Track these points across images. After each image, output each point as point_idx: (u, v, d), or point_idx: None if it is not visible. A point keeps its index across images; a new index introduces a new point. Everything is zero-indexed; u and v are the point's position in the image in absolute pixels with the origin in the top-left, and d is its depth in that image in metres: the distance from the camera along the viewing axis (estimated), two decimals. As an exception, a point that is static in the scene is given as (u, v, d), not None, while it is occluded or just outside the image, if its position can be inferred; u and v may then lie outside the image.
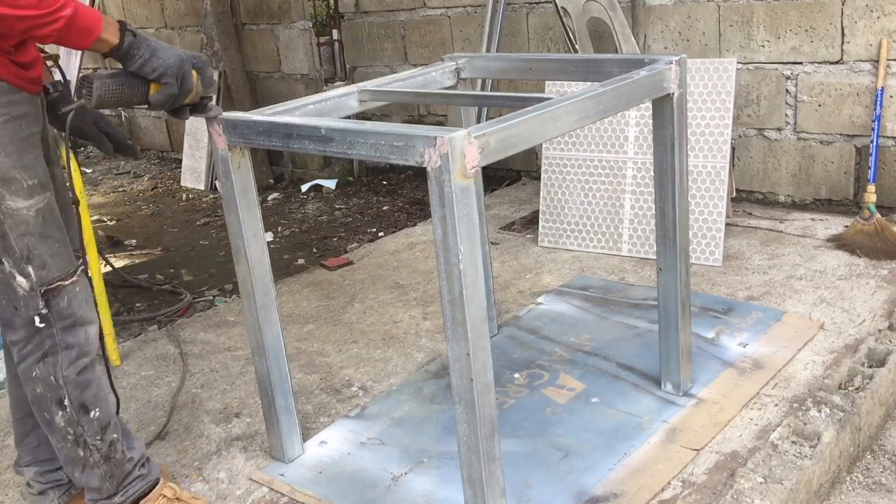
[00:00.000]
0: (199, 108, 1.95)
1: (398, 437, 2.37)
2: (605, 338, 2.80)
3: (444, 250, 1.64)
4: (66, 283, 1.87)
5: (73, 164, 2.31)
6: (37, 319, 1.85)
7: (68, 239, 1.91)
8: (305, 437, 2.38)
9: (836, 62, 3.56)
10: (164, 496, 2.07)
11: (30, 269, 1.83)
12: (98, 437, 1.96)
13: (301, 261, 4.14)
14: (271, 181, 5.68)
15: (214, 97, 1.94)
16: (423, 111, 5.17)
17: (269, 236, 4.55)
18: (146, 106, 1.88)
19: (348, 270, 3.67)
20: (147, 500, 2.05)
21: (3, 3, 1.62)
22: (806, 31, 3.58)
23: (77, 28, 1.70)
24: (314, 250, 4.30)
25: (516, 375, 2.62)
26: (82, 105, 1.83)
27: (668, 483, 2.06)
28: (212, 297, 3.75)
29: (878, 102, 3.42)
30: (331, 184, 5.41)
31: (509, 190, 4.61)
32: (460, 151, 1.59)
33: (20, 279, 1.83)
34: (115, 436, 1.99)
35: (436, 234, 1.65)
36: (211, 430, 2.51)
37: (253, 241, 2.09)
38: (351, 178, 5.51)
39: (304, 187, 5.44)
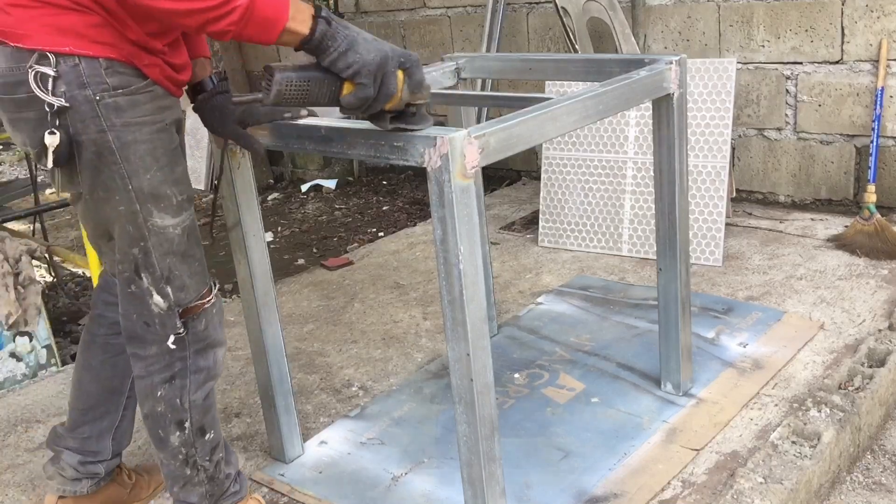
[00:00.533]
0: (402, 116, 1.63)
1: (398, 437, 2.37)
2: (605, 338, 2.80)
3: (444, 250, 1.64)
4: (207, 305, 1.79)
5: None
6: (171, 340, 1.76)
7: (204, 257, 1.83)
8: (305, 438, 2.38)
9: (836, 62, 3.55)
10: None
11: (169, 289, 1.73)
12: (207, 459, 1.90)
13: (301, 261, 4.14)
14: (271, 181, 5.68)
15: (426, 105, 1.69)
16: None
17: (269, 236, 4.55)
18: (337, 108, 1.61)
19: (348, 270, 3.67)
20: None
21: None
22: (806, 31, 3.58)
23: (258, 19, 1.46)
24: (314, 250, 4.30)
25: (516, 375, 2.62)
26: (258, 99, 1.60)
27: (669, 483, 2.06)
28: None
29: (878, 102, 3.42)
30: (331, 184, 5.41)
31: (509, 190, 4.61)
32: (460, 151, 1.59)
33: (157, 298, 1.73)
34: (221, 455, 1.93)
35: (436, 234, 1.65)
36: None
37: (253, 241, 2.09)
38: (351, 178, 5.51)
39: (304, 187, 5.44)
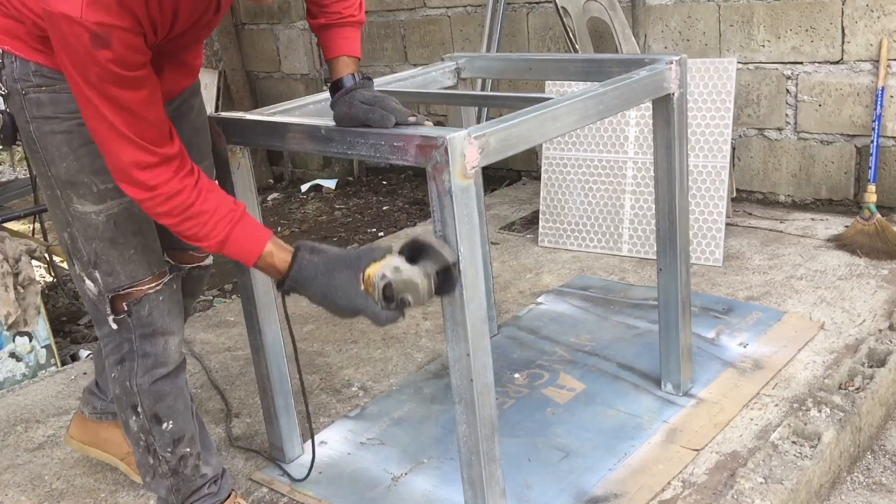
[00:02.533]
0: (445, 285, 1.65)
1: (398, 437, 2.37)
2: (606, 338, 2.80)
3: (444, 250, 1.64)
4: (150, 291, 1.82)
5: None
6: (110, 320, 1.82)
7: (155, 245, 1.86)
8: (305, 438, 2.38)
9: (837, 62, 3.55)
10: None
11: (97, 274, 1.79)
12: (168, 450, 1.92)
13: (301, 261, 4.13)
14: (271, 181, 5.68)
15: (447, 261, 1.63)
16: (423, 111, 5.18)
17: (269, 236, 4.54)
18: None
19: (348, 270, 3.66)
20: None
21: (184, 236, 1.68)
22: (806, 30, 3.58)
23: (231, 254, 1.71)
24: (314, 250, 4.29)
25: (516, 375, 2.62)
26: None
27: (669, 483, 2.06)
28: (211, 298, 3.75)
29: (879, 102, 3.42)
30: (331, 184, 5.41)
31: (509, 190, 4.61)
32: (460, 151, 1.59)
33: (88, 283, 1.81)
34: (188, 450, 1.94)
35: (436, 235, 1.65)
36: (211, 430, 2.51)
37: (253, 241, 2.08)
38: (351, 178, 5.51)
39: (304, 187, 5.44)
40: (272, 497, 2.18)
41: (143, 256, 1.82)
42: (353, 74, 1.87)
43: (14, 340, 2.91)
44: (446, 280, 1.64)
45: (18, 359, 2.93)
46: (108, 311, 1.81)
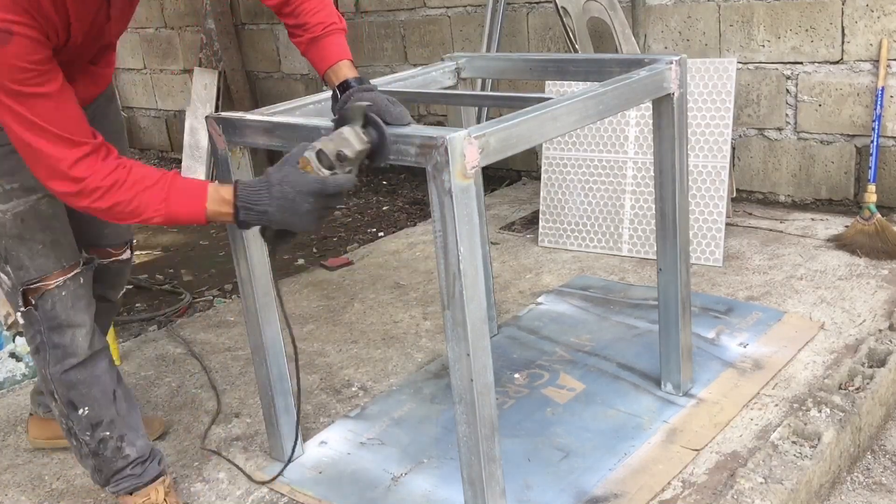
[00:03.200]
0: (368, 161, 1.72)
1: (398, 437, 2.37)
2: (606, 338, 2.80)
3: (444, 250, 1.64)
4: (51, 286, 1.90)
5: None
6: (19, 315, 1.93)
7: (64, 240, 1.93)
8: (305, 438, 2.38)
9: (837, 62, 3.55)
10: (148, 497, 2.09)
11: (8, 268, 1.90)
12: (87, 434, 2.01)
13: (301, 261, 4.13)
14: (271, 181, 5.67)
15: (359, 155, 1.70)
16: (423, 111, 5.17)
17: (269, 236, 4.53)
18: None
19: (348, 270, 3.67)
20: (133, 497, 2.08)
21: (113, 215, 1.70)
22: (806, 30, 3.58)
23: (177, 222, 1.74)
24: (314, 250, 4.29)
25: (516, 375, 2.62)
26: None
27: (669, 483, 2.06)
28: (211, 298, 3.75)
29: (879, 102, 3.42)
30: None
31: (509, 190, 4.61)
32: (460, 151, 1.59)
33: (3, 277, 1.91)
34: (107, 433, 2.02)
35: (436, 235, 1.65)
36: (211, 430, 2.51)
37: (253, 241, 2.09)
38: (351, 178, 5.50)
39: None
40: (272, 497, 2.18)
41: (51, 251, 1.90)
42: (360, 78, 1.89)
43: (14, 340, 2.91)
44: (373, 124, 1.68)
45: (18, 359, 2.92)
46: (20, 303, 1.90)
